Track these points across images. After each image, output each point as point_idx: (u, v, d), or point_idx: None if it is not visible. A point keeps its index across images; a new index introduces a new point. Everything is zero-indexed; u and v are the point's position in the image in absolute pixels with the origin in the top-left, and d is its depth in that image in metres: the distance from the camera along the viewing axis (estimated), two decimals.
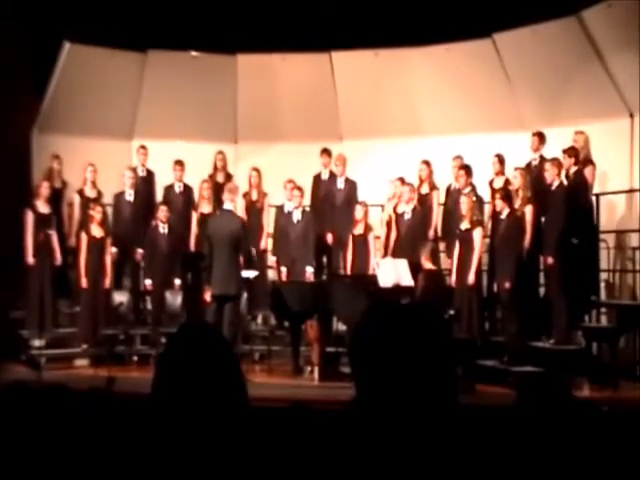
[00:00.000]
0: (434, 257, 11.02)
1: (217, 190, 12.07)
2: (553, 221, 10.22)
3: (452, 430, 1.95)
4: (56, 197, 12.12)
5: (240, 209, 12.62)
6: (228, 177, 12.94)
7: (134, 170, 12.63)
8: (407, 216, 11.68)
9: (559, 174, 10.27)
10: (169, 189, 12.77)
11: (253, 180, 12.66)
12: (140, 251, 12.21)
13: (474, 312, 10.39)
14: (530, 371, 9.61)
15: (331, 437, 2.06)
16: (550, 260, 10.18)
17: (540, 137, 11.21)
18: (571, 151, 10.46)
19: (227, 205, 10.70)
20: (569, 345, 10.11)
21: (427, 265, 10.66)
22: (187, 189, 12.77)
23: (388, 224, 12.04)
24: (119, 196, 12.45)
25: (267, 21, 12.50)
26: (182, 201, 12.69)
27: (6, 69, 11.58)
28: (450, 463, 1.92)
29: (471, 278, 10.40)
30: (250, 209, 12.65)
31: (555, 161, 10.36)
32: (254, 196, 12.67)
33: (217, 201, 11.84)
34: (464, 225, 10.70)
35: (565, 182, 10.33)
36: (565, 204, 10.12)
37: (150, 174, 12.92)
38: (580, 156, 10.56)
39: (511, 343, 10.21)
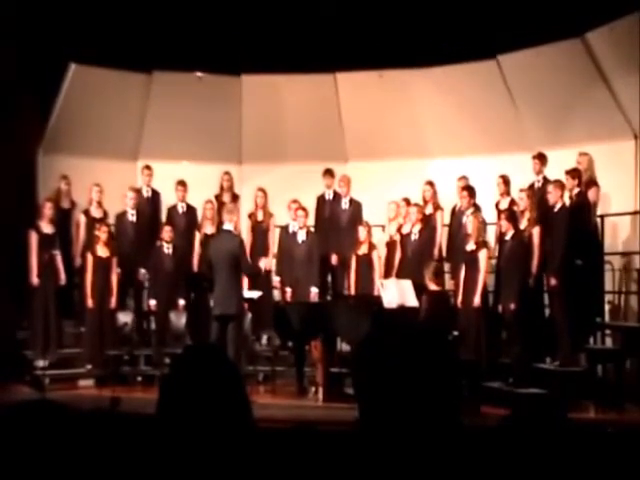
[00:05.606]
0: (439, 278, 10.98)
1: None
2: (556, 242, 10.21)
3: (455, 451, 1.95)
4: (65, 217, 12.16)
5: (245, 229, 12.64)
6: (234, 198, 12.94)
7: (136, 190, 12.62)
8: (414, 237, 11.64)
9: (562, 196, 10.28)
10: (172, 210, 12.78)
11: (259, 200, 12.65)
12: (142, 271, 12.22)
13: (481, 333, 10.35)
14: (534, 393, 9.58)
15: (335, 458, 2.05)
16: (553, 281, 10.17)
17: (541, 159, 11.20)
18: (574, 172, 10.47)
19: (227, 225, 10.68)
20: (574, 367, 10.08)
21: (431, 286, 10.63)
22: (190, 209, 12.76)
23: (388, 245, 12.04)
24: (121, 216, 12.45)
25: (272, 42, 12.55)
26: (185, 221, 12.68)
27: (11, 90, 11.62)
28: None
29: (477, 299, 10.38)
30: (256, 229, 12.65)
31: (558, 183, 10.37)
32: (260, 216, 12.67)
33: (222, 222, 11.83)
34: (470, 246, 10.67)
35: (568, 204, 10.33)
36: (568, 225, 10.12)
37: (156, 194, 12.92)
38: (584, 177, 10.57)
39: (516, 365, 10.18)
